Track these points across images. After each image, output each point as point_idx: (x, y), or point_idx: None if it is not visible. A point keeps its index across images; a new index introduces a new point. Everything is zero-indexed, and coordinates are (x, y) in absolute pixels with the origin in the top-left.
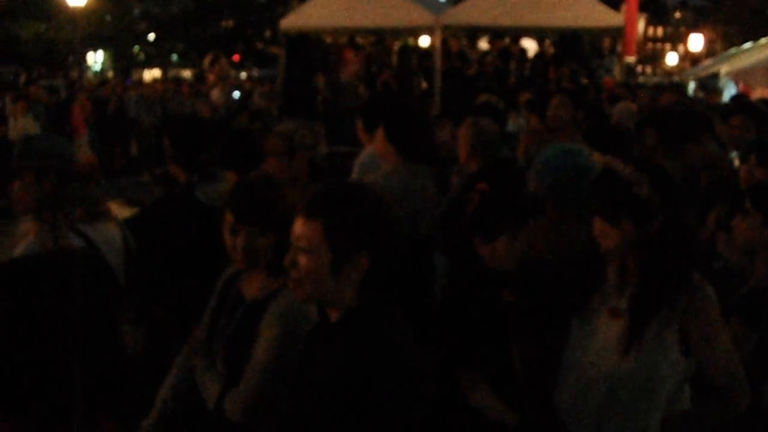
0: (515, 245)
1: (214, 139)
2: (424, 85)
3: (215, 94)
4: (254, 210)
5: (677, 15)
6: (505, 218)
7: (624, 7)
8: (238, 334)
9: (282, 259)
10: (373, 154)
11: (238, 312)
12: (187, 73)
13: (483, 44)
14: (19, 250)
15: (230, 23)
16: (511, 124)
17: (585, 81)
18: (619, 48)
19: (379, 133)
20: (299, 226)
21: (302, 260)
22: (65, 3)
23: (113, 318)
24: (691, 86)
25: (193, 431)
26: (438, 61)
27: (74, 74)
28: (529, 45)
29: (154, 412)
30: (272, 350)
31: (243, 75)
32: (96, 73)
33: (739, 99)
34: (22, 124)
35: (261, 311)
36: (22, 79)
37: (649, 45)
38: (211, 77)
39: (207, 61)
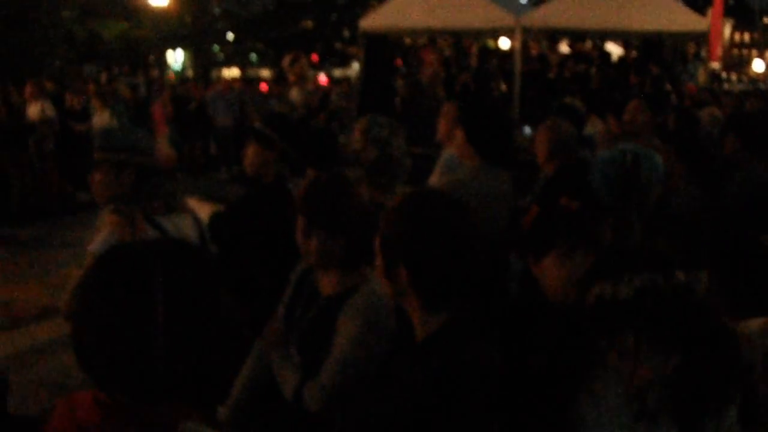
0: (564, 269)
1: (302, 135)
2: (504, 87)
3: (294, 93)
4: (325, 213)
5: (765, 20)
6: (553, 235)
7: (709, 12)
8: (314, 329)
9: (356, 255)
10: (454, 155)
11: (314, 306)
12: (265, 73)
13: (564, 47)
14: (96, 243)
15: (309, 23)
16: (590, 128)
17: (668, 87)
18: (703, 53)
19: (459, 135)
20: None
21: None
22: (147, 2)
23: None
24: None
25: (269, 421)
26: (518, 64)
27: (155, 72)
28: (611, 49)
29: (231, 401)
30: (353, 343)
31: (321, 75)
32: (176, 71)
33: None
34: (102, 121)
35: (337, 306)
36: (104, 77)
37: (735, 51)
38: (291, 77)
39: (287, 60)
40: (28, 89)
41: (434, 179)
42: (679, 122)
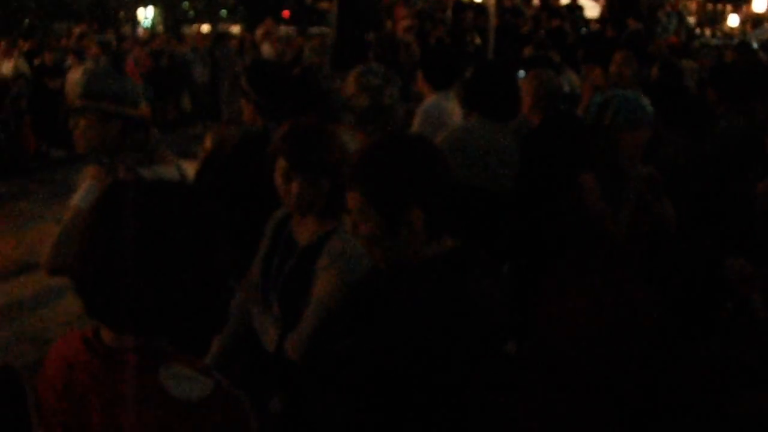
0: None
1: (295, 89)
2: (478, 41)
3: (266, 49)
4: (308, 156)
5: None
6: None
7: None
8: (293, 278)
9: (334, 202)
10: (438, 105)
11: (291, 256)
12: (236, 29)
13: (537, 1)
14: (77, 195)
15: None
16: (565, 85)
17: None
18: (679, 8)
19: (454, 91)
20: (348, 199)
21: (361, 228)
22: None
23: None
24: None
25: (251, 374)
26: (492, 18)
27: (126, 30)
28: (586, 3)
29: (213, 350)
30: (330, 291)
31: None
32: (146, 28)
33: None
34: (77, 77)
35: (315, 254)
36: (76, 32)
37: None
38: (258, 33)
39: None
40: (1, 47)
41: (415, 127)
42: (663, 73)
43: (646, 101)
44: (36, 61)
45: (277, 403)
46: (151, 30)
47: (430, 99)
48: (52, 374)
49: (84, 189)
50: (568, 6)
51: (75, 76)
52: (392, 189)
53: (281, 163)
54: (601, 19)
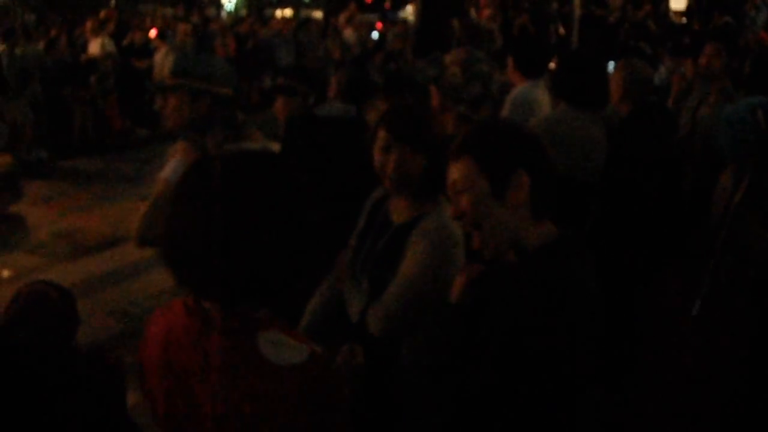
0: None
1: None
2: (562, 31)
3: (348, 33)
4: (409, 128)
5: None
6: None
7: None
8: (385, 257)
9: (430, 183)
10: (527, 93)
11: (385, 235)
12: (318, 14)
13: None
14: (166, 170)
15: None
16: (657, 76)
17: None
18: None
19: (544, 79)
20: (452, 172)
21: (464, 201)
22: None
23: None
24: None
25: (335, 344)
26: (577, 7)
27: (210, 12)
28: None
29: (303, 324)
30: (418, 268)
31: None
32: (229, 12)
33: None
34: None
35: (408, 233)
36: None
37: None
38: (341, 18)
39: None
40: (89, 26)
41: (505, 115)
42: (756, 68)
43: None
44: (124, 42)
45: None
46: (234, 14)
47: (520, 87)
48: (154, 341)
49: (173, 164)
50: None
51: (161, 56)
52: (503, 150)
53: (381, 135)
54: (688, 12)
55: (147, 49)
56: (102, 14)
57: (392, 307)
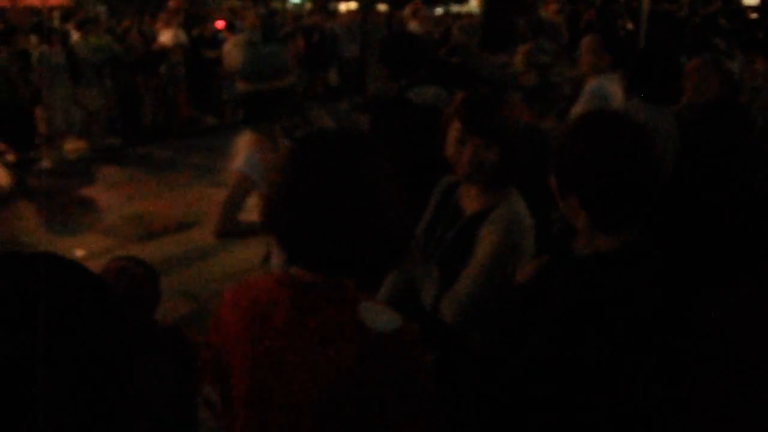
0: None
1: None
2: (630, 26)
3: (413, 26)
4: (483, 120)
5: None
6: None
7: None
8: (456, 245)
9: (502, 173)
10: (602, 87)
11: (456, 223)
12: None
13: None
14: (239, 161)
15: None
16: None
17: None
18: None
19: (618, 74)
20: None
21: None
22: None
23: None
24: None
25: None
26: (646, 2)
27: (276, 5)
28: None
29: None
30: (490, 257)
31: (439, 11)
32: (295, 3)
33: None
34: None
35: (479, 223)
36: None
37: None
38: (407, 11)
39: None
40: (163, 17)
41: (579, 108)
42: None
43: None
44: (194, 32)
45: (429, 358)
46: (300, 6)
47: (595, 81)
48: (235, 319)
49: (245, 156)
50: None
51: (229, 47)
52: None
53: (455, 126)
54: (763, 7)
55: (216, 39)
56: (172, 4)
57: (465, 296)
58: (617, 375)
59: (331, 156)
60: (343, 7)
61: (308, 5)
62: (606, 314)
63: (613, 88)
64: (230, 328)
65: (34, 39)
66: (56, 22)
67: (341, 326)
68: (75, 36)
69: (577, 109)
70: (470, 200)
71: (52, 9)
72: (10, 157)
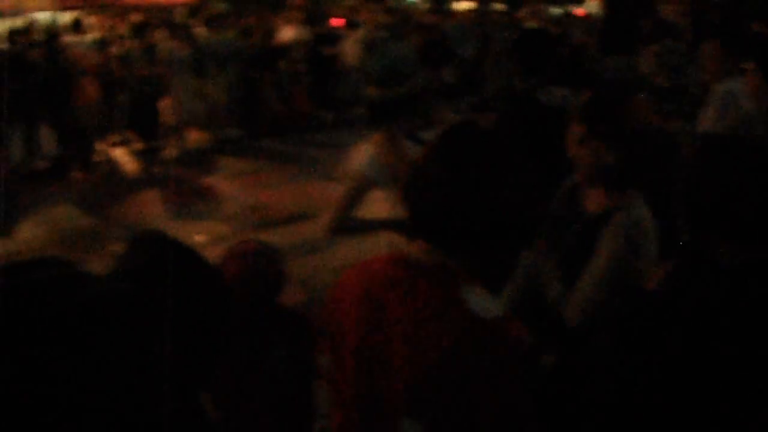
0: None
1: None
2: (756, 27)
3: (531, 25)
4: (606, 123)
5: None
6: None
7: None
8: (576, 247)
9: (627, 173)
10: (729, 89)
11: (578, 225)
12: (499, 6)
13: None
14: (361, 159)
15: None
16: None
17: None
18: None
19: (751, 72)
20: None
21: None
22: None
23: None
24: None
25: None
26: None
27: (391, 3)
28: None
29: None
30: (612, 260)
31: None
32: (411, 3)
33: None
34: (350, 46)
35: (600, 225)
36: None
37: None
38: (523, 11)
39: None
40: (284, 15)
41: (710, 114)
42: None
43: None
44: (314, 29)
45: (550, 358)
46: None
47: (722, 85)
48: (351, 301)
49: (368, 156)
50: None
51: (350, 44)
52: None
53: (578, 128)
54: None
55: (334, 36)
56: (295, 1)
57: (586, 299)
58: None
59: (473, 145)
60: (459, 6)
61: (424, 4)
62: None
63: (741, 92)
64: (344, 306)
65: (162, 33)
66: (182, 18)
67: (446, 307)
68: (201, 31)
69: (708, 114)
70: (592, 202)
71: (178, 6)
72: (137, 146)
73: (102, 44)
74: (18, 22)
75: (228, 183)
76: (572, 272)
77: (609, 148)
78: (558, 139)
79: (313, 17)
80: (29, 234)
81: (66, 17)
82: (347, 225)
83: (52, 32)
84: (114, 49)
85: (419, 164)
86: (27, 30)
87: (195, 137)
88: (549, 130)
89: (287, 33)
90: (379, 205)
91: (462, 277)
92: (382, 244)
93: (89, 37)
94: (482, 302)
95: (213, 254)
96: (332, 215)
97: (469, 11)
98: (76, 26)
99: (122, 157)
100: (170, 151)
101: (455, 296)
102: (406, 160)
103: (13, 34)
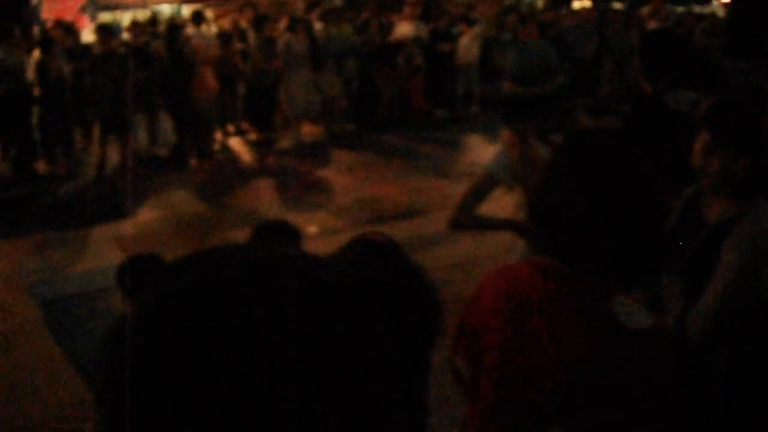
0: None
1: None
2: None
3: (651, 26)
4: (734, 131)
5: None
6: None
7: None
8: (699, 257)
9: (750, 183)
10: None
11: (700, 234)
12: (617, 5)
13: None
14: (490, 158)
15: None
16: None
17: None
18: None
19: None
20: None
21: None
22: None
23: None
24: None
25: None
26: None
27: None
28: None
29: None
30: (737, 271)
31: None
32: (530, 1)
33: None
34: (466, 42)
35: (724, 234)
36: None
37: None
38: (644, 10)
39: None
40: (405, 11)
41: None
42: None
43: None
44: (429, 26)
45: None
46: (530, 3)
47: None
48: (493, 300)
49: (496, 153)
50: None
51: (466, 40)
52: None
53: (704, 137)
54: None
55: (450, 33)
56: None
57: (711, 312)
58: None
59: (604, 153)
60: (577, 4)
61: (540, 2)
62: None
63: None
64: (487, 308)
65: (280, 27)
66: (301, 13)
67: (595, 317)
68: (318, 26)
69: None
70: (714, 210)
71: (297, 0)
72: (252, 137)
73: (222, 36)
74: (141, 15)
75: (341, 176)
76: (696, 285)
77: (736, 155)
78: (683, 146)
79: (430, 13)
80: (148, 216)
81: (187, 10)
82: (469, 223)
83: (174, 25)
84: (234, 42)
85: (548, 175)
86: (151, 22)
87: (309, 130)
88: (675, 136)
89: (403, 29)
90: (499, 203)
91: (609, 287)
92: (498, 242)
93: (210, 29)
94: (633, 314)
95: (324, 247)
96: (453, 210)
97: (588, 10)
98: (197, 19)
99: (238, 147)
100: (285, 143)
101: (604, 307)
102: (534, 162)
103: (137, 27)
